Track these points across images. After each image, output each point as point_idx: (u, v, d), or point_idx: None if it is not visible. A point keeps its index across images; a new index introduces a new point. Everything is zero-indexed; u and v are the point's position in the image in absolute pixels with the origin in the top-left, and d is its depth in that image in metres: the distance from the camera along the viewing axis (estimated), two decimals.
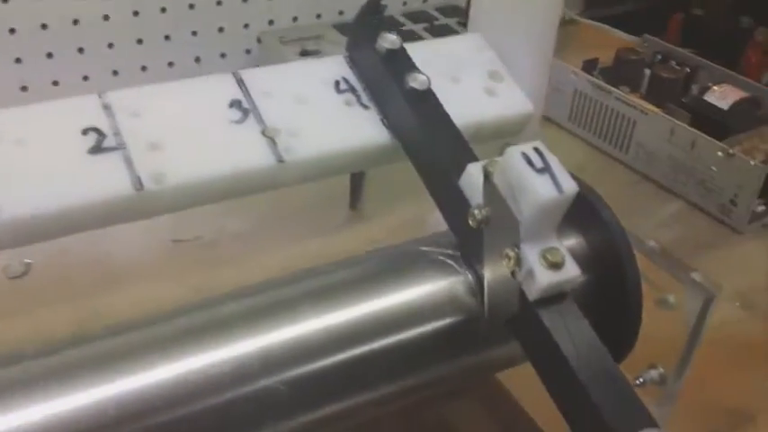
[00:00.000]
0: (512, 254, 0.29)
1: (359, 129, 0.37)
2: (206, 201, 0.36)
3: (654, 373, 0.36)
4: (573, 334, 0.29)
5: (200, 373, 0.28)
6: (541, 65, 0.43)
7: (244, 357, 0.29)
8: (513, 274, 0.29)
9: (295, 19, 0.79)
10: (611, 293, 0.33)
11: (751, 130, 0.64)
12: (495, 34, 0.41)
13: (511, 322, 0.31)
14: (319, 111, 0.37)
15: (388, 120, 0.37)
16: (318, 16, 0.80)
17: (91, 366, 0.27)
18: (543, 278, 0.29)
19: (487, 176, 0.30)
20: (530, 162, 0.28)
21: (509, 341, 0.32)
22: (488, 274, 0.31)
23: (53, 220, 0.32)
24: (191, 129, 0.35)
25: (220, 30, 0.76)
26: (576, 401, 0.28)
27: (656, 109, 0.66)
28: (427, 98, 0.36)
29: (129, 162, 0.33)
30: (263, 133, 0.36)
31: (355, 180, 0.54)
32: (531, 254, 0.29)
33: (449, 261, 0.33)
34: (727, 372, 0.48)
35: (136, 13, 0.71)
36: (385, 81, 0.37)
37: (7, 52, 0.67)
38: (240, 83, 0.37)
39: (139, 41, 0.73)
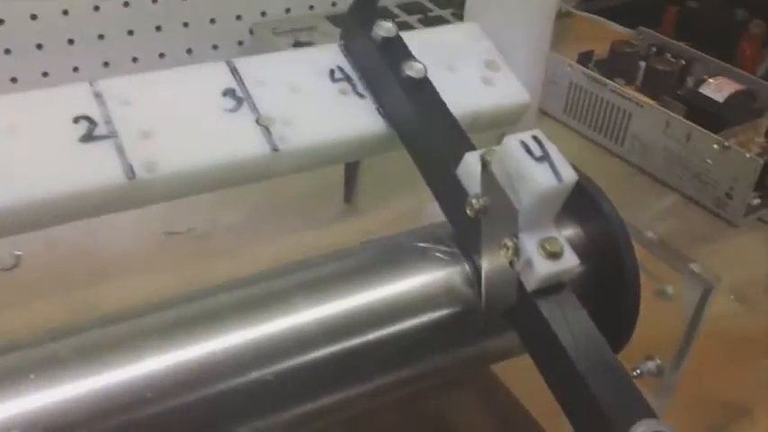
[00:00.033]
0: (510, 243, 0.29)
1: (354, 118, 0.37)
2: (199, 190, 0.35)
3: (651, 365, 0.36)
4: (571, 324, 0.29)
5: (192, 364, 0.28)
6: (538, 55, 0.43)
7: (236, 349, 0.28)
8: (511, 263, 0.29)
9: (288, 10, 0.78)
10: (609, 284, 0.33)
11: (746, 122, 0.64)
12: (491, 24, 0.41)
13: (508, 313, 0.31)
14: (314, 100, 0.37)
15: (384, 108, 0.37)
16: (311, 7, 0.79)
17: (81, 357, 0.27)
18: (542, 268, 0.28)
19: (485, 165, 0.30)
20: (528, 150, 0.28)
21: (506, 332, 0.32)
22: (486, 264, 0.31)
23: (44, 209, 0.32)
24: (183, 117, 0.35)
25: (212, 21, 0.75)
26: (575, 392, 0.28)
27: (651, 101, 0.66)
28: (423, 86, 0.35)
29: (120, 150, 0.33)
30: (258, 122, 0.35)
31: (350, 171, 0.53)
32: (530, 243, 0.29)
33: (445, 251, 0.33)
34: (723, 365, 0.48)
35: (126, 4, 0.71)
36: (380, 69, 0.36)
37: None
38: (234, 71, 0.36)
39: (130, 32, 0.72)
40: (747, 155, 0.59)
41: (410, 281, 0.32)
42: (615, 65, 0.71)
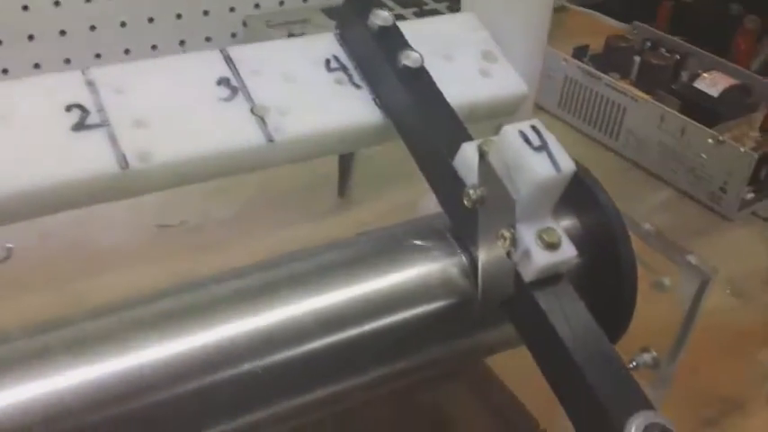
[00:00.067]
0: (507, 234, 0.28)
1: (350, 108, 0.36)
2: (193, 180, 0.35)
3: (647, 357, 0.36)
4: (569, 316, 0.29)
5: (184, 356, 0.27)
6: (536, 46, 0.42)
7: (229, 340, 0.28)
8: (508, 254, 0.29)
9: (281, 2, 0.78)
10: (605, 275, 0.33)
11: (741, 117, 0.64)
12: (489, 13, 0.41)
13: (505, 304, 0.30)
14: (309, 89, 0.36)
15: (381, 99, 0.37)
16: (305, 0, 0.79)
17: (71, 350, 0.27)
18: (539, 259, 0.28)
19: (483, 156, 0.29)
20: (527, 140, 0.28)
21: (503, 324, 0.32)
22: (483, 255, 0.31)
23: (35, 198, 0.32)
24: (177, 106, 0.34)
25: (205, 13, 0.75)
26: (572, 383, 0.28)
27: (645, 96, 0.66)
28: (420, 76, 0.35)
29: (113, 139, 0.32)
30: (253, 111, 0.35)
31: (344, 163, 0.53)
32: (527, 234, 0.28)
33: (442, 243, 0.33)
34: (719, 359, 0.48)
35: None
36: (377, 59, 0.36)
37: None
38: (228, 60, 0.36)
39: (123, 24, 0.72)
40: (742, 149, 0.59)
41: (406, 272, 0.32)
42: (610, 59, 0.71)
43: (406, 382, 0.33)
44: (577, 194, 0.32)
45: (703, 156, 0.62)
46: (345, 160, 0.54)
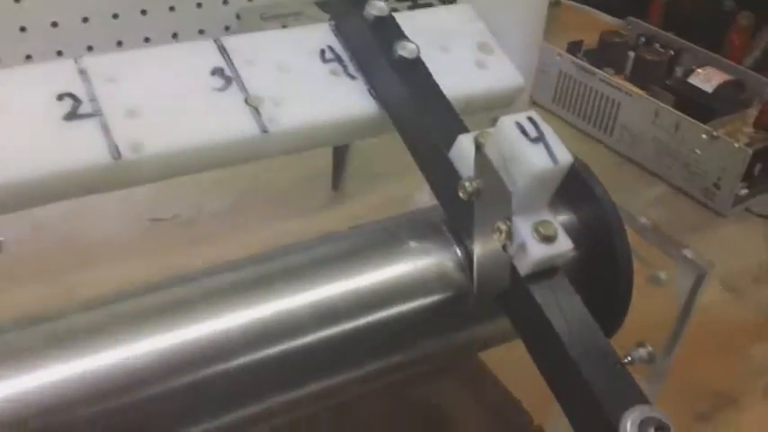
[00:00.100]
0: (503, 227, 0.28)
1: (345, 99, 0.36)
2: (186, 171, 0.34)
3: (642, 352, 0.36)
4: (564, 310, 0.28)
5: (177, 349, 0.27)
6: (532, 38, 0.42)
7: (223, 334, 0.28)
8: (504, 247, 0.29)
9: None
10: (601, 269, 0.32)
11: (735, 112, 0.64)
12: (485, 5, 0.40)
13: (501, 298, 0.30)
14: (304, 80, 0.36)
15: (376, 90, 0.36)
16: None
17: (62, 343, 0.27)
18: (535, 251, 0.28)
19: (479, 147, 0.29)
20: (524, 131, 0.28)
21: (498, 318, 0.31)
22: (478, 248, 0.30)
23: (26, 189, 0.31)
24: (170, 96, 0.34)
25: (199, 5, 0.74)
26: (567, 378, 0.28)
27: (640, 91, 0.66)
28: (416, 67, 0.35)
29: (105, 129, 0.32)
30: (247, 102, 0.34)
31: (338, 156, 0.53)
32: (524, 227, 0.28)
33: (437, 236, 0.32)
34: (712, 354, 0.49)
35: None
36: (372, 49, 0.36)
37: None
38: (222, 50, 0.36)
39: (115, 16, 0.71)
40: (736, 145, 0.59)
41: (401, 265, 0.32)
42: (604, 55, 0.71)
43: (400, 376, 0.33)
44: (573, 187, 0.32)
45: (697, 151, 0.62)
46: (339, 153, 0.54)
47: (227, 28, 0.76)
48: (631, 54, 0.70)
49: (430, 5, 0.77)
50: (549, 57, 0.71)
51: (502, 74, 0.39)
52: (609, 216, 0.32)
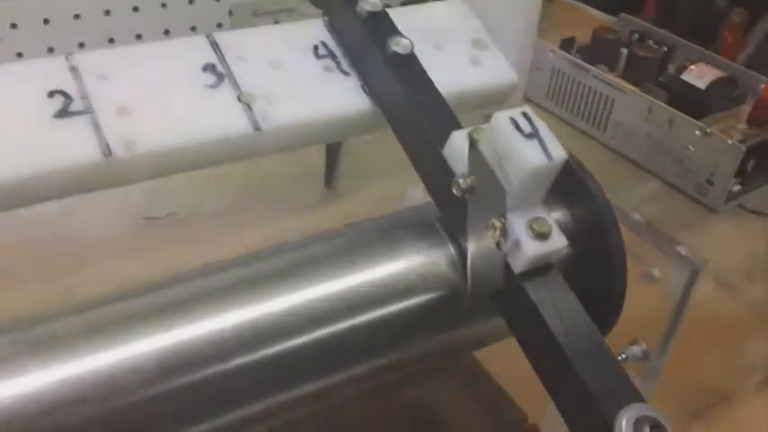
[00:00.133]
0: (497, 224, 0.28)
1: (339, 96, 0.36)
2: (179, 169, 0.34)
3: (636, 349, 0.36)
4: (559, 307, 0.28)
5: (171, 350, 0.27)
6: (526, 35, 0.42)
7: (217, 334, 0.28)
8: (498, 245, 0.28)
9: None
10: (596, 266, 0.32)
11: (728, 109, 0.64)
12: (479, 2, 0.40)
13: (495, 297, 0.30)
14: (297, 76, 0.36)
15: (369, 86, 0.36)
16: None
17: (60, 343, 0.26)
18: (530, 249, 0.28)
19: (473, 144, 0.29)
20: (518, 127, 0.28)
21: (492, 316, 0.31)
22: (472, 246, 0.30)
23: (17, 187, 0.31)
24: (162, 93, 0.33)
25: (191, 1, 0.74)
26: (562, 376, 0.28)
27: (633, 88, 0.66)
28: (410, 63, 0.34)
29: (97, 127, 0.32)
30: (239, 99, 0.34)
31: (331, 154, 0.53)
32: (518, 224, 0.28)
33: (430, 234, 0.32)
34: (706, 351, 0.49)
35: None
36: (366, 45, 0.35)
37: None
38: (214, 46, 0.35)
39: (107, 13, 0.71)
40: (729, 141, 0.60)
41: (394, 264, 0.31)
42: (597, 51, 0.71)
43: (395, 375, 0.33)
44: (567, 184, 0.32)
45: (691, 148, 0.62)
46: (333, 150, 0.54)
47: (219, 25, 0.76)
48: (624, 51, 0.70)
49: (424, 1, 0.77)
50: (542, 53, 0.71)
51: (496, 70, 0.39)
52: (603, 213, 0.32)
